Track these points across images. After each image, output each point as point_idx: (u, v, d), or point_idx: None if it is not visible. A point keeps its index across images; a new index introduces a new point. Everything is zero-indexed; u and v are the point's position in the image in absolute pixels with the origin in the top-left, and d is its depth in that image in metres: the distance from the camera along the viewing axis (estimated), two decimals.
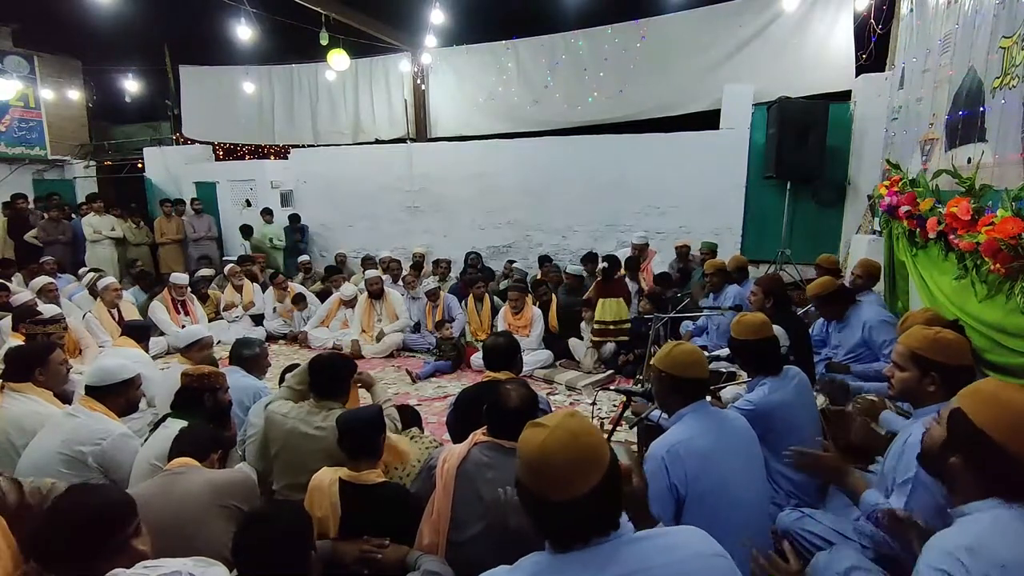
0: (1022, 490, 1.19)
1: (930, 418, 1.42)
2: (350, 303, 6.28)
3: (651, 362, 2.09)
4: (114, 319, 5.38)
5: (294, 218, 8.90)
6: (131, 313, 5.60)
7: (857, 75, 6.71)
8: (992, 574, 1.10)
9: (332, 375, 2.48)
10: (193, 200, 9.11)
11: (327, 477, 1.97)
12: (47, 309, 4.39)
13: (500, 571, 1.19)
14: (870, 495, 1.74)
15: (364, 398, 2.83)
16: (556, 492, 1.08)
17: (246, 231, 8.80)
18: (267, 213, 8.75)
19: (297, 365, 3.12)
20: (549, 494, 1.08)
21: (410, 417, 2.89)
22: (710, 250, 6.04)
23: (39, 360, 2.77)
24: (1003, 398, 1.22)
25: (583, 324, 5.31)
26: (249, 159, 11.07)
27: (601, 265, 5.11)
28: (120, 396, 2.52)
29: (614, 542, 1.10)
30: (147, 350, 4.12)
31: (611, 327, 5.00)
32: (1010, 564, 1.10)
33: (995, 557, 1.11)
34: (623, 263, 5.59)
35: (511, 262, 7.66)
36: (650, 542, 1.14)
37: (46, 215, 8.01)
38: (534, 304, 5.60)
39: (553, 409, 2.75)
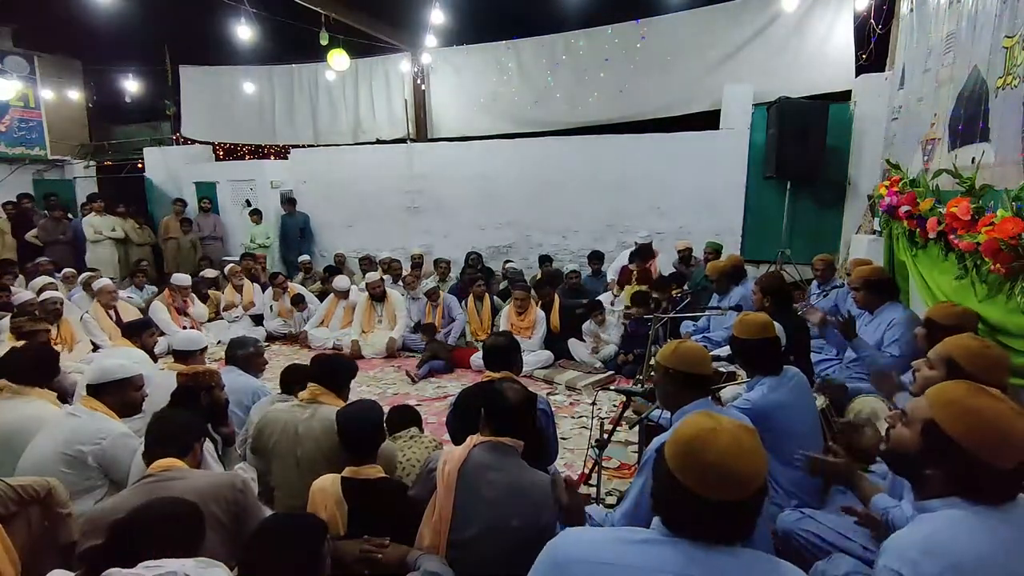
0: (988, 490, 1.21)
1: (894, 413, 1.43)
2: (343, 295, 6.28)
3: (656, 360, 2.09)
4: (111, 319, 5.38)
5: (289, 202, 8.78)
6: (130, 314, 5.58)
7: (857, 75, 6.70)
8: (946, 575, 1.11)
9: (332, 374, 2.57)
10: (201, 199, 9.10)
11: (327, 479, 2.00)
12: (18, 296, 4.34)
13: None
14: (880, 499, 1.77)
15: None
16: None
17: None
18: (255, 214, 8.75)
19: (297, 366, 3.14)
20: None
21: (410, 417, 2.89)
22: (714, 250, 6.02)
23: (55, 367, 2.85)
24: (973, 407, 1.22)
25: (586, 323, 5.39)
26: (249, 159, 11.06)
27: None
28: (118, 395, 2.51)
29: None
30: (151, 346, 4.08)
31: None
32: (964, 564, 1.12)
33: (949, 557, 1.13)
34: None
35: (507, 262, 7.66)
36: None
37: (48, 214, 8.01)
38: (536, 304, 5.60)
39: (553, 410, 2.74)
